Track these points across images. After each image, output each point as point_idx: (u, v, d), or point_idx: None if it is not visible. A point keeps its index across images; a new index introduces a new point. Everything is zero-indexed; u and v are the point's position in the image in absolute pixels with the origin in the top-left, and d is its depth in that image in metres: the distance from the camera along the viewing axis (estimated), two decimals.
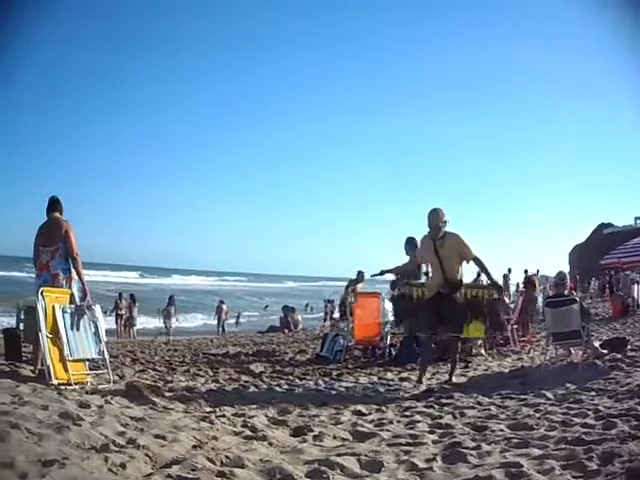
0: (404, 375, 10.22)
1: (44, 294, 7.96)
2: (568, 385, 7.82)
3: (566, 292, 11.19)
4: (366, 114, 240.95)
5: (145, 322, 36.33)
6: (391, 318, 12.83)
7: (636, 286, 24.10)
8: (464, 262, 9.44)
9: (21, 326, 9.68)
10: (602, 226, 53.45)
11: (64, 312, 8.08)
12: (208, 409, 6.69)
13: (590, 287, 38.73)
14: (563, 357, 10.90)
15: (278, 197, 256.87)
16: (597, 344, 10.65)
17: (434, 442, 5.20)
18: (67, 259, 8.58)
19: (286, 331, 30.19)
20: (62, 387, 7.38)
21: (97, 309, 8.95)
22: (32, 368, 8.47)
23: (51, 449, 4.12)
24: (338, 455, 4.59)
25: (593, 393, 7.19)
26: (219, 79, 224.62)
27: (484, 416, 6.30)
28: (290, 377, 10.30)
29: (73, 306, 8.30)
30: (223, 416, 6.18)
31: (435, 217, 9.21)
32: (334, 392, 8.60)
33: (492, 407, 6.81)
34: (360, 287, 17.63)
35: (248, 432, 5.53)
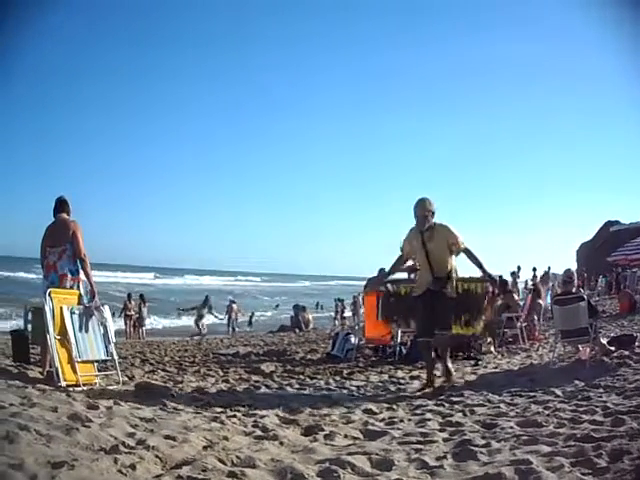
0: (415, 373, 10.21)
1: (52, 295, 7.97)
2: (576, 382, 7.79)
3: (574, 290, 11.19)
4: (378, 113, 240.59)
5: (154, 322, 36.45)
6: None
7: None
8: (454, 255, 8.88)
9: (29, 328, 9.69)
10: (609, 223, 53.22)
11: (72, 313, 8.08)
12: (219, 409, 6.67)
13: (597, 284, 38.65)
14: (571, 354, 10.90)
15: (292, 196, 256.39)
16: (605, 341, 10.62)
17: (444, 440, 5.19)
18: (75, 260, 8.56)
19: (297, 330, 30.13)
20: (71, 389, 7.38)
21: (106, 310, 8.95)
22: (40, 370, 8.47)
23: (60, 451, 4.10)
24: (349, 454, 4.58)
25: (601, 390, 7.16)
26: (228, 79, 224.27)
27: (494, 414, 6.29)
28: (301, 376, 10.30)
29: (81, 307, 8.30)
30: (234, 416, 6.17)
31: (421, 207, 8.71)
32: (345, 391, 8.59)
33: (502, 405, 6.79)
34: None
35: (259, 432, 5.51)
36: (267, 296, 77.70)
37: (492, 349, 13.40)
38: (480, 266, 8.88)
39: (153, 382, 8.38)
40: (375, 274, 11.95)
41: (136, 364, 12.07)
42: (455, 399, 7.32)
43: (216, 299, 33.82)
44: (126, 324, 30.09)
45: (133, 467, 3.91)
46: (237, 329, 33.29)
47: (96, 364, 8.41)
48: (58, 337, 7.85)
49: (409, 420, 6.26)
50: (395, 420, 6.26)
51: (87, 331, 8.21)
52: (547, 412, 6.06)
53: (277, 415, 6.39)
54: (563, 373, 8.94)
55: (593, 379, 7.91)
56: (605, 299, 32.08)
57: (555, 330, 10.97)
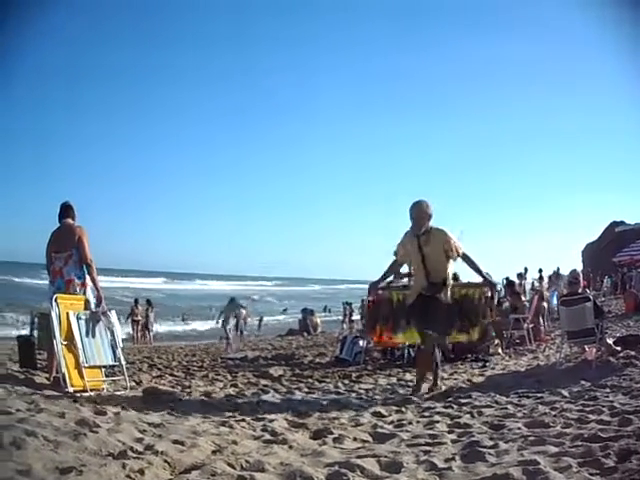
0: None
1: (58, 301, 7.97)
2: (583, 382, 7.79)
3: (579, 290, 11.19)
4: (381, 116, 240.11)
5: (159, 327, 36.49)
6: None
7: None
8: (451, 260, 8.60)
9: (35, 333, 9.71)
10: (614, 224, 53.14)
11: (79, 319, 8.08)
12: (227, 414, 6.67)
13: (603, 285, 38.63)
14: (578, 355, 10.90)
15: (298, 199, 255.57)
16: (611, 341, 10.62)
17: (453, 442, 5.17)
18: (81, 265, 8.55)
19: (305, 334, 30.15)
20: (78, 394, 7.38)
21: (113, 315, 8.95)
22: (47, 375, 8.48)
23: (68, 456, 4.09)
24: (358, 457, 4.56)
25: (608, 390, 7.15)
26: (231, 83, 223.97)
27: (501, 415, 6.28)
28: (309, 380, 10.31)
29: (88, 312, 8.30)
30: (242, 420, 6.15)
31: (418, 210, 8.46)
32: (354, 394, 8.57)
33: (509, 406, 6.78)
34: None
35: (268, 436, 5.49)
36: (276, 300, 77.63)
37: (499, 351, 13.42)
38: (479, 271, 8.81)
39: (161, 387, 8.38)
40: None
41: (144, 369, 12.09)
42: (463, 401, 7.31)
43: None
44: (133, 329, 30.16)
45: (142, 472, 3.89)
46: (245, 332, 33.28)
47: (103, 369, 8.41)
48: (65, 343, 7.85)
49: (417, 422, 6.24)
50: (404, 422, 6.25)
51: (94, 336, 8.20)
52: (554, 413, 6.05)
53: (286, 419, 6.38)
54: (570, 374, 8.93)
55: (599, 379, 7.91)
56: (611, 299, 32.03)
57: (561, 331, 10.97)
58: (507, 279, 22.79)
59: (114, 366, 8.68)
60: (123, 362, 8.58)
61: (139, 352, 19.24)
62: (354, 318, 35.55)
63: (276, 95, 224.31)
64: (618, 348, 10.23)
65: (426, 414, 6.70)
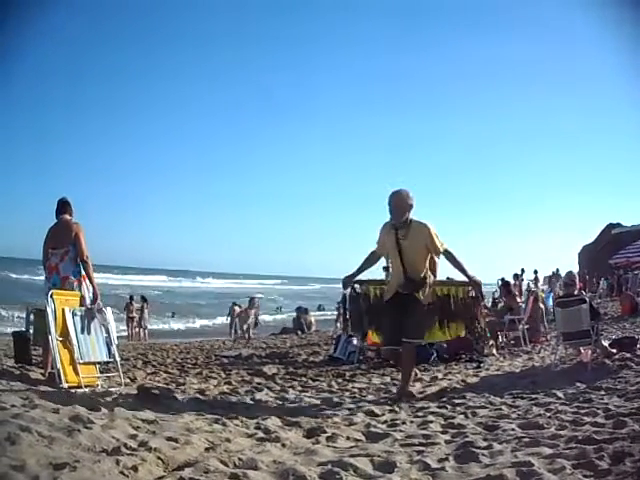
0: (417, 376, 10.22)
1: (54, 297, 7.98)
2: (578, 384, 7.80)
3: (576, 292, 11.20)
4: (382, 115, 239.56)
5: (157, 325, 36.55)
6: None
7: None
8: (434, 256, 8.04)
9: (31, 329, 9.71)
10: (610, 226, 53.17)
11: (74, 315, 8.08)
12: (221, 411, 6.66)
13: (599, 287, 38.71)
14: (573, 357, 10.91)
15: (298, 198, 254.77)
16: (606, 343, 10.64)
17: (447, 442, 5.18)
18: (77, 262, 8.56)
19: (299, 333, 30.08)
20: (73, 390, 7.39)
21: (108, 312, 8.95)
22: (42, 371, 8.50)
23: (62, 452, 4.10)
24: (351, 456, 4.57)
25: (603, 392, 7.16)
26: (231, 80, 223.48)
27: (496, 416, 6.28)
28: (303, 379, 10.33)
29: (83, 309, 8.31)
30: (236, 418, 6.14)
31: (397, 199, 7.86)
32: (347, 393, 8.56)
33: (503, 407, 6.79)
34: None
35: (261, 434, 5.50)
36: (271, 298, 77.49)
37: (494, 351, 13.42)
38: (462, 270, 8.15)
39: (155, 384, 8.40)
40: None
41: (138, 366, 12.10)
42: (457, 401, 7.32)
43: (227, 301, 34.01)
44: (128, 326, 30.16)
45: (135, 469, 3.90)
46: (240, 332, 33.24)
47: (98, 366, 8.42)
48: (60, 339, 7.86)
49: (411, 422, 6.25)
50: (397, 422, 6.26)
51: (89, 333, 8.21)
52: (549, 414, 6.06)
53: (279, 417, 6.36)
54: (565, 375, 8.94)
55: (595, 381, 7.91)
56: (607, 301, 32.08)
57: (557, 332, 10.97)
58: (503, 279, 22.84)
59: (109, 363, 8.69)
60: (118, 359, 8.61)
61: (134, 349, 19.22)
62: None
63: (276, 93, 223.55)
64: (614, 350, 10.26)
65: (420, 414, 6.70)
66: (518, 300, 18.31)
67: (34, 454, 3.93)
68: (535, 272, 35.21)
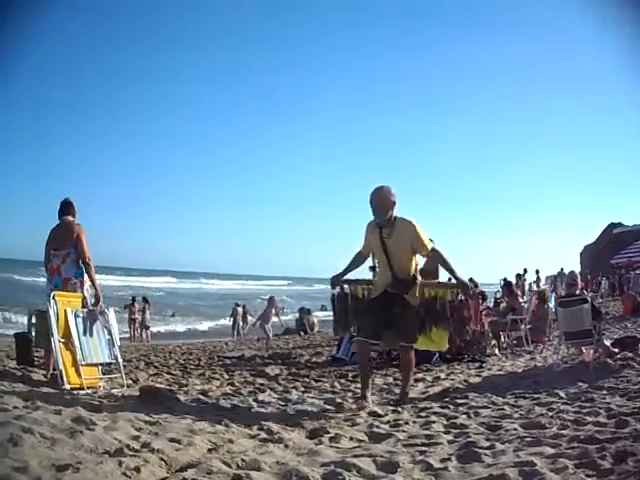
0: (419, 376, 10.18)
1: (56, 298, 7.98)
2: (580, 384, 7.79)
3: (577, 292, 11.20)
4: (381, 115, 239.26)
5: (160, 326, 36.58)
6: None
7: None
8: (420, 255, 7.70)
9: (33, 330, 9.72)
10: (612, 226, 53.08)
11: (76, 316, 8.09)
12: (223, 412, 6.65)
13: (601, 286, 38.69)
14: (575, 356, 10.91)
15: (299, 199, 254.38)
16: (608, 343, 10.63)
17: (449, 442, 5.17)
18: (79, 264, 8.55)
19: (302, 333, 30.07)
20: (75, 391, 7.40)
21: (111, 313, 8.95)
22: (44, 372, 8.50)
23: (64, 453, 4.10)
24: (354, 456, 4.56)
25: (605, 392, 7.16)
26: (231, 80, 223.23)
27: (498, 415, 6.28)
28: (306, 379, 10.35)
29: (85, 310, 8.31)
30: (238, 419, 6.13)
31: (378, 197, 7.45)
32: (350, 394, 8.55)
33: (506, 406, 6.78)
34: None
35: (264, 435, 5.50)
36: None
37: (496, 351, 13.43)
38: (451, 271, 7.79)
39: (158, 385, 8.41)
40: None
41: (141, 367, 12.10)
42: (459, 401, 7.31)
43: (251, 303, 34.13)
44: (130, 327, 30.20)
45: (138, 470, 3.89)
46: (242, 332, 33.21)
47: (100, 367, 8.42)
48: (62, 340, 7.86)
49: (414, 422, 6.25)
50: (400, 422, 6.26)
51: (91, 334, 8.22)
52: (551, 414, 6.05)
53: (282, 418, 6.38)
54: (567, 375, 8.92)
55: (597, 381, 7.91)
56: (609, 301, 32.05)
57: (559, 332, 10.97)
58: (505, 279, 22.82)
59: (111, 364, 8.69)
60: (120, 360, 8.60)
61: (136, 350, 19.24)
62: None
63: (276, 93, 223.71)
64: (615, 350, 10.26)
65: (422, 414, 6.70)
66: (520, 300, 18.31)
67: (36, 455, 3.93)
68: (537, 272, 35.27)
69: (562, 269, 34.28)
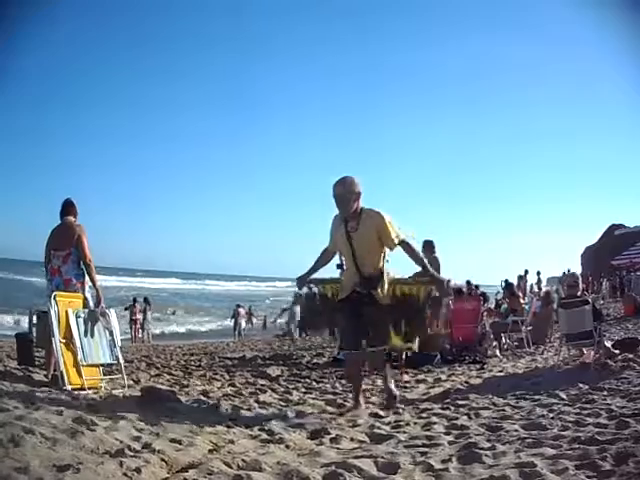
0: (420, 377, 10.21)
1: (57, 299, 7.97)
2: (581, 385, 7.78)
3: (578, 293, 11.20)
4: (381, 114, 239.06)
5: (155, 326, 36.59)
6: None
7: None
8: (388, 249, 7.11)
9: (34, 331, 9.72)
10: (613, 227, 53.10)
11: (77, 317, 8.08)
12: (224, 413, 6.69)
13: (602, 288, 38.69)
14: (576, 358, 10.90)
15: (300, 199, 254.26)
16: (609, 344, 10.64)
17: (450, 443, 5.17)
18: (79, 264, 8.54)
19: (303, 334, 30.10)
20: (76, 392, 7.39)
21: (112, 314, 8.94)
22: (45, 373, 8.48)
23: (65, 454, 4.11)
24: (355, 457, 4.58)
25: (605, 393, 7.15)
26: (231, 79, 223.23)
27: (499, 417, 6.28)
28: (307, 380, 10.36)
29: (86, 311, 8.30)
30: (240, 420, 6.16)
31: (339, 189, 6.96)
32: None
33: (507, 408, 6.78)
34: None
35: (265, 435, 5.52)
36: (278, 299, 77.36)
37: (497, 352, 13.44)
38: (422, 264, 7.19)
39: (159, 386, 8.39)
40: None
41: (142, 368, 12.09)
42: (460, 402, 7.31)
43: (258, 305, 34.13)
44: (131, 328, 30.22)
45: (138, 471, 3.90)
46: (244, 333, 33.25)
47: (101, 368, 8.42)
48: (63, 340, 7.85)
49: (415, 423, 6.25)
50: (401, 424, 6.26)
51: (92, 335, 8.21)
52: (551, 415, 6.05)
53: (283, 419, 6.39)
54: (567, 376, 8.92)
55: (597, 382, 7.90)
56: (610, 302, 32.07)
57: (560, 333, 10.98)
58: (506, 281, 22.84)
59: (112, 364, 8.68)
60: (121, 361, 8.59)
61: (137, 351, 19.26)
62: None
63: (277, 92, 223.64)
64: (616, 351, 10.26)
65: (423, 415, 6.70)
66: (521, 302, 18.31)
67: (37, 456, 3.93)
68: (538, 274, 35.26)
69: (569, 270, 34.22)
